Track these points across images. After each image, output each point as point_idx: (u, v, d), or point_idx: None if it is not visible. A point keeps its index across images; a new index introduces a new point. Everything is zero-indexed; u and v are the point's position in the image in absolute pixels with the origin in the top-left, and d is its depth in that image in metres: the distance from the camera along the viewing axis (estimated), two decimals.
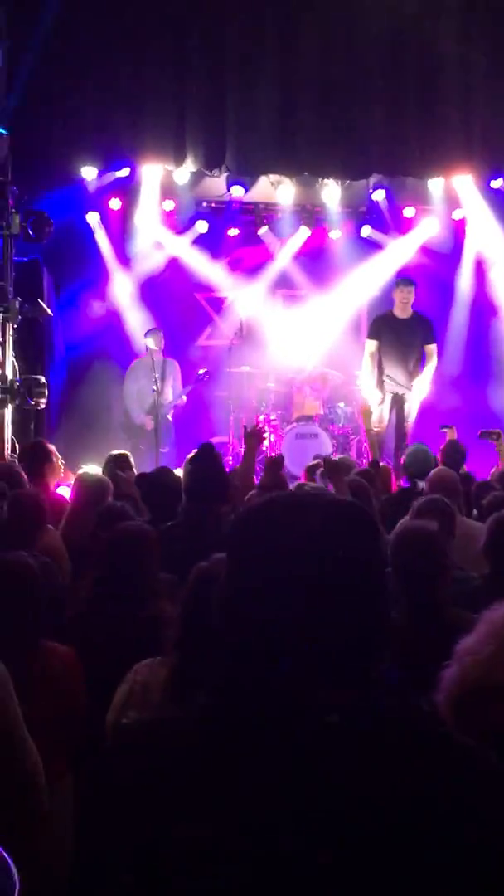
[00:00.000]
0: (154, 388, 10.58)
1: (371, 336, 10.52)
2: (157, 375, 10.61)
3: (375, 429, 10.40)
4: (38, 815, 2.84)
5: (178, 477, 5.47)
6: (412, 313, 10.33)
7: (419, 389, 10.40)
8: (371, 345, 10.46)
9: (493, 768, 1.27)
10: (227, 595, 1.33)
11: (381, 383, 10.43)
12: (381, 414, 10.39)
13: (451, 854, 1.17)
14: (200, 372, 11.19)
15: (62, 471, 7.53)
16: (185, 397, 11.17)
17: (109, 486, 5.44)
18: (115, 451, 7.38)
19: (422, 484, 6.15)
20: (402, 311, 10.30)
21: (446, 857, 1.17)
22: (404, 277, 10.67)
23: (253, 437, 6.44)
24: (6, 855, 1.92)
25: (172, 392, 11.03)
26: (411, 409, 10.44)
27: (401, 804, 1.19)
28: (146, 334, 10.99)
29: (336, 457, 10.22)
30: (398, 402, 10.45)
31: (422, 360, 10.37)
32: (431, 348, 10.35)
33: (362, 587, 1.29)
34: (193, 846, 1.17)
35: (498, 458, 8.23)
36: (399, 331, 10.27)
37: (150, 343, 10.85)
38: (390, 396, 10.43)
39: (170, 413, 11.05)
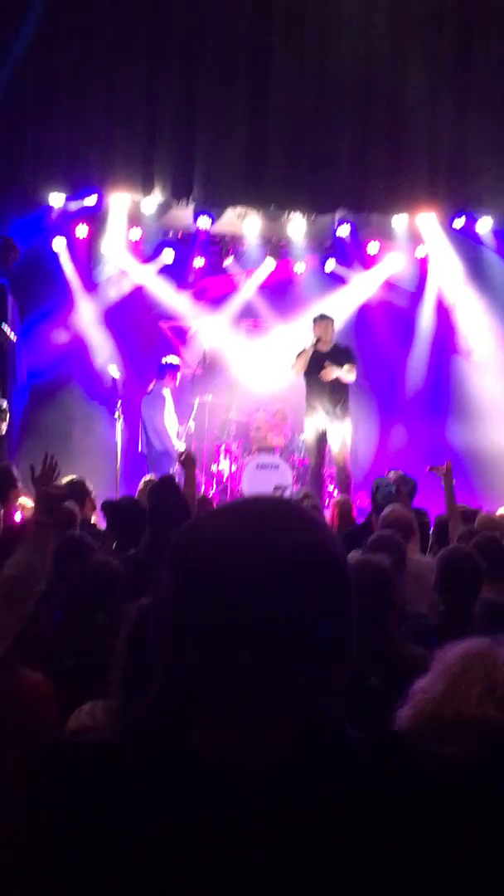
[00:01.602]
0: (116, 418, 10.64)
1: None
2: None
3: (311, 461, 10.50)
4: None
5: (144, 505, 5.48)
6: (333, 346, 10.31)
7: (345, 422, 10.38)
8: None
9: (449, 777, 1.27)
10: (164, 630, 1.22)
11: (310, 417, 10.44)
12: (312, 447, 10.46)
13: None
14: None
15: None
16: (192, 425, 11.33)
17: (76, 514, 5.43)
18: (69, 477, 7.34)
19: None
20: (323, 345, 10.27)
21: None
22: (321, 313, 10.62)
23: (188, 462, 6.51)
24: None
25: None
26: (345, 440, 10.37)
27: (351, 833, 1.16)
28: (167, 369, 11.02)
29: (298, 490, 10.31)
30: (326, 436, 10.40)
31: (347, 394, 10.34)
32: (349, 366, 10.21)
33: (316, 603, 1.18)
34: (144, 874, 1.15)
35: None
36: (321, 365, 10.19)
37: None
38: (318, 431, 10.40)
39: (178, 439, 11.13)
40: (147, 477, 8.18)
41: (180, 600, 1.20)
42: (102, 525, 6.93)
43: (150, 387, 10.89)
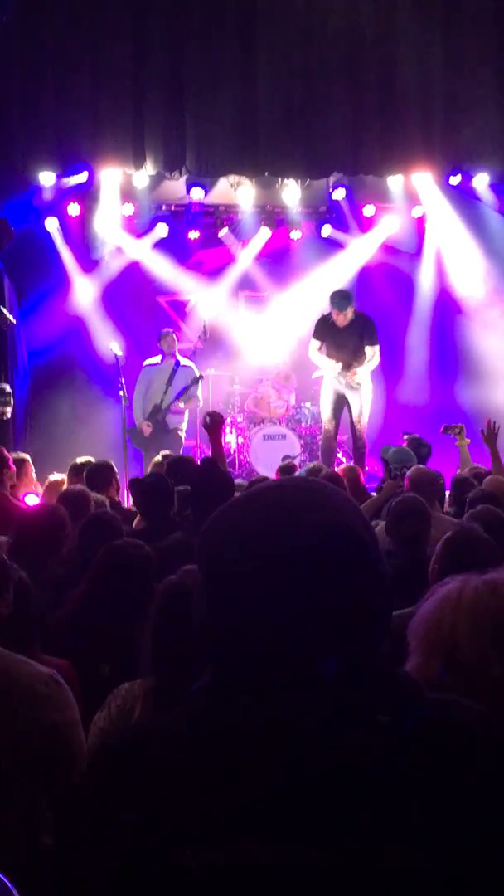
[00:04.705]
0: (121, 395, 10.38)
1: (315, 336, 10.27)
2: (122, 380, 10.44)
3: (326, 427, 10.37)
4: None
5: (171, 483, 5.40)
6: (353, 318, 10.04)
7: (366, 388, 10.22)
8: (315, 344, 10.28)
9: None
10: (204, 605, 1.26)
11: (328, 384, 10.31)
12: (329, 414, 10.34)
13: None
14: (196, 376, 10.82)
15: (30, 477, 7.50)
16: (182, 403, 10.80)
17: (90, 497, 5.35)
18: (81, 459, 7.28)
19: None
20: (341, 320, 10.03)
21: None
22: (338, 291, 10.25)
23: (212, 425, 6.42)
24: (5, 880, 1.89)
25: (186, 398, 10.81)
26: (363, 408, 10.20)
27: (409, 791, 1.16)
28: (158, 338, 10.90)
29: (307, 460, 10.25)
30: (346, 402, 10.27)
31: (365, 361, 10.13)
32: (373, 350, 10.03)
33: (352, 589, 1.21)
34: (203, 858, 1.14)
35: (458, 453, 8.23)
36: (338, 336, 10.03)
37: (163, 346, 10.82)
38: (337, 396, 10.26)
39: (172, 420, 10.76)
40: (164, 452, 8.12)
41: (211, 589, 1.25)
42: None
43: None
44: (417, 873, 1.12)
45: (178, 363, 10.83)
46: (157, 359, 10.89)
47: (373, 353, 10.05)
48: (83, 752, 2.81)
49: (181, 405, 10.81)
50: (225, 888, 1.13)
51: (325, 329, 10.19)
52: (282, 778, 1.15)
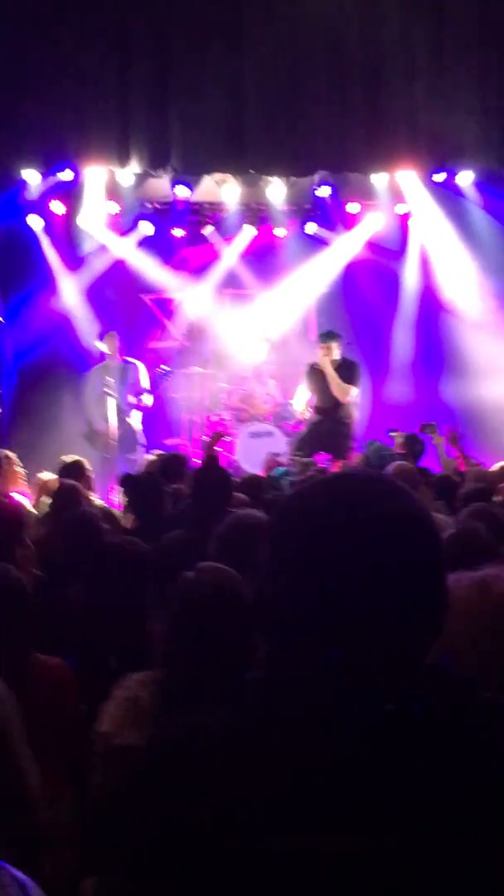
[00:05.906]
0: (108, 392, 10.33)
1: (309, 388, 10.41)
2: (111, 380, 10.40)
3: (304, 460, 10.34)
4: (32, 834, 2.76)
5: (163, 480, 5.39)
6: (338, 363, 10.15)
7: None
8: (305, 396, 10.47)
9: None
10: (270, 587, 1.27)
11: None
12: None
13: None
14: (160, 370, 10.91)
15: (18, 476, 7.49)
16: (147, 399, 10.87)
17: (81, 491, 5.35)
18: (68, 458, 7.28)
19: None
20: (325, 356, 10.14)
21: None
22: (324, 332, 10.42)
23: (214, 441, 6.47)
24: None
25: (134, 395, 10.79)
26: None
27: (461, 793, 1.14)
28: (100, 338, 10.86)
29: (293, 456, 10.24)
30: None
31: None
32: (350, 388, 10.13)
33: (416, 574, 1.22)
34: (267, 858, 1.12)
35: (437, 451, 8.26)
36: (324, 382, 10.13)
37: (104, 347, 10.74)
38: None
39: (131, 417, 10.78)
40: (157, 452, 8.13)
41: (282, 577, 1.25)
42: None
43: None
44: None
45: (126, 361, 10.85)
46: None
47: (350, 391, 10.12)
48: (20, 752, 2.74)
49: (145, 401, 10.84)
50: (301, 875, 1.12)
51: (313, 376, 10.26)
52: (344, 767, 1.14)
